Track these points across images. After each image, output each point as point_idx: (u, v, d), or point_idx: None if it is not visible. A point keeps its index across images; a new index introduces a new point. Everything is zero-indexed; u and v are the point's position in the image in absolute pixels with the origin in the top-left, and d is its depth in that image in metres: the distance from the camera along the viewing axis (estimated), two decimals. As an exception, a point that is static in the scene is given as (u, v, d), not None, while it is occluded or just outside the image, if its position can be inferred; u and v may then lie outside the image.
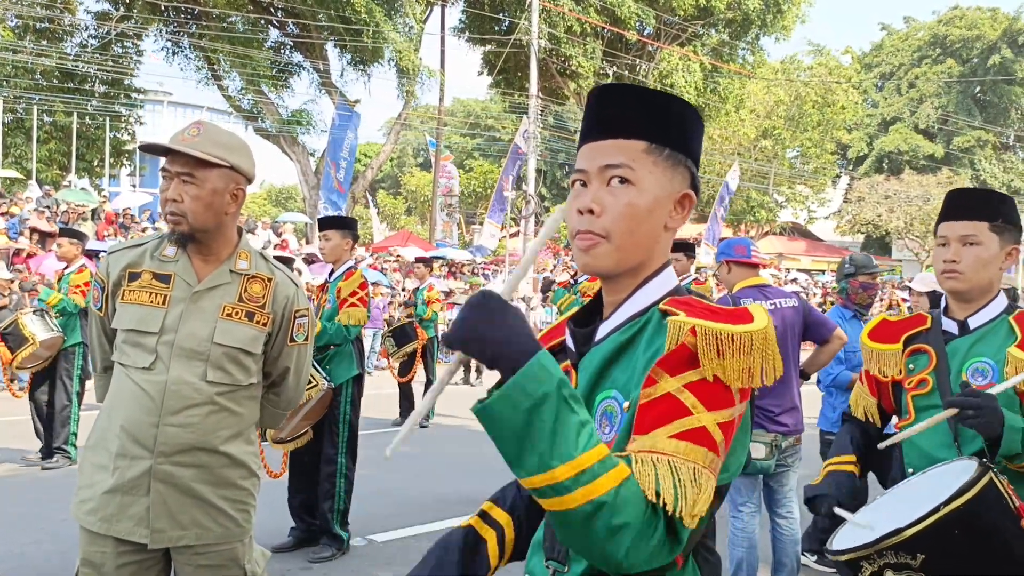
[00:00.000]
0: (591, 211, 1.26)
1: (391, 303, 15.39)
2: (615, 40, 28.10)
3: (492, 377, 9.82)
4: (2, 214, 17.28)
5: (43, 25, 24.39)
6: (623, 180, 1.26)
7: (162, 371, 2.23)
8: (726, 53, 30.08)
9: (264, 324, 2.35)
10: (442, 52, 27.93)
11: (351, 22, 22.46)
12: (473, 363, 14.18)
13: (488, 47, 28.05)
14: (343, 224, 5.12)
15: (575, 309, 1.45)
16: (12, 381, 7.50)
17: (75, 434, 6.91)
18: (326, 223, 5.14)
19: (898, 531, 1.80)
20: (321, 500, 4.87)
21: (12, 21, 24.57)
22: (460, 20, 28.34)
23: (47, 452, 6.87)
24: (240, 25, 24.19)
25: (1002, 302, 2.29)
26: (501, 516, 1.51)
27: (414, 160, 54.17)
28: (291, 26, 24.75)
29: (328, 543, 4.86)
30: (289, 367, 2.46)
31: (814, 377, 4.65)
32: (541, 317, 17.93)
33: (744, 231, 36.16)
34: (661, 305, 1.27)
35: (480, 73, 29.76)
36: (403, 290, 16.51)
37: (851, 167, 45.00)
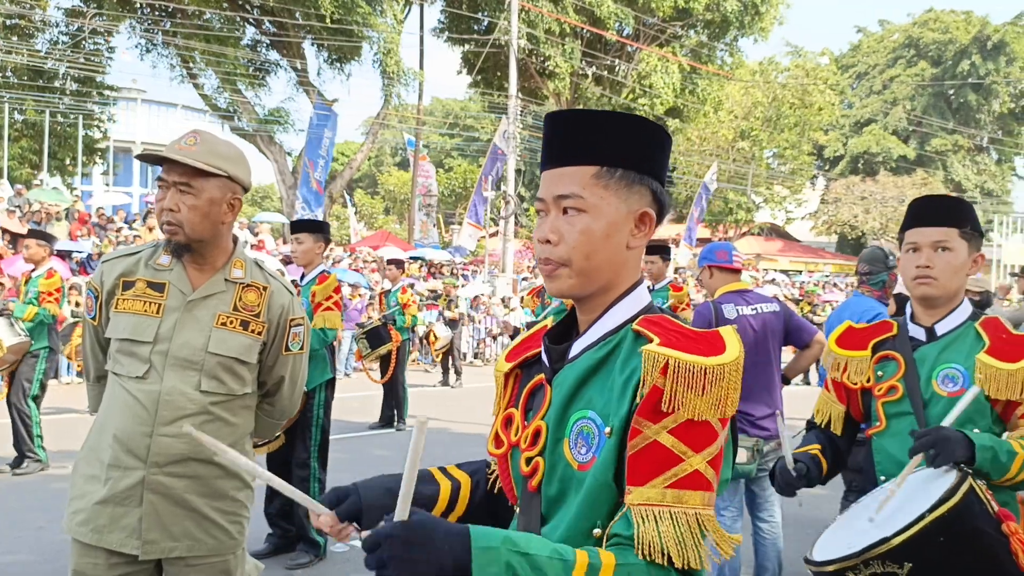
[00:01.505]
0: (548, 241, 1.31)
1: (369, 304, 15.29)
2: (594, 40, 28.16)
3: (470, 379, 9.88)
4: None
5: (13, 21, 23.98)
6: (576, 209, 1.29)
7: (156, 380, 2.21)
8: (705, 54, 30.24)
9: (259, 333, 2.33)
10: (421, 51, 27.84)
11: (328, 20, 22.30)
12: (450, 366, 14.16)
13: (467, 47, 28.00)
14: (316, 227, 5.08)
15: (549, 320, 1.46)
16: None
17: (40, 436, 6.76)
18: (298, 226, 5.10)
19: (885, 540, 1.81)
20: (297, 506, 4.80)
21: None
22: (439, 20, 28.29)
23: (19, 459, 6.72)
24: (216, 22, 23.93)
25: (967, 308, 2.31)
26: (461, 475, 1.53)
27: (392, 159, 53.98)
28: (267, 24, 24.54)
29: (305, 549, 4.81)
30: (284, 376, 2.45)
31: (796, 380, 4.64)
32: (520, 318, 17.91)
33: (723, 231, 36.39)
34: (634, 325, 1.30)
35: (459, 72, 29.70)
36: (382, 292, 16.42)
37: (827, 168, 45.43)
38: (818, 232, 41.68)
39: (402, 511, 1.13)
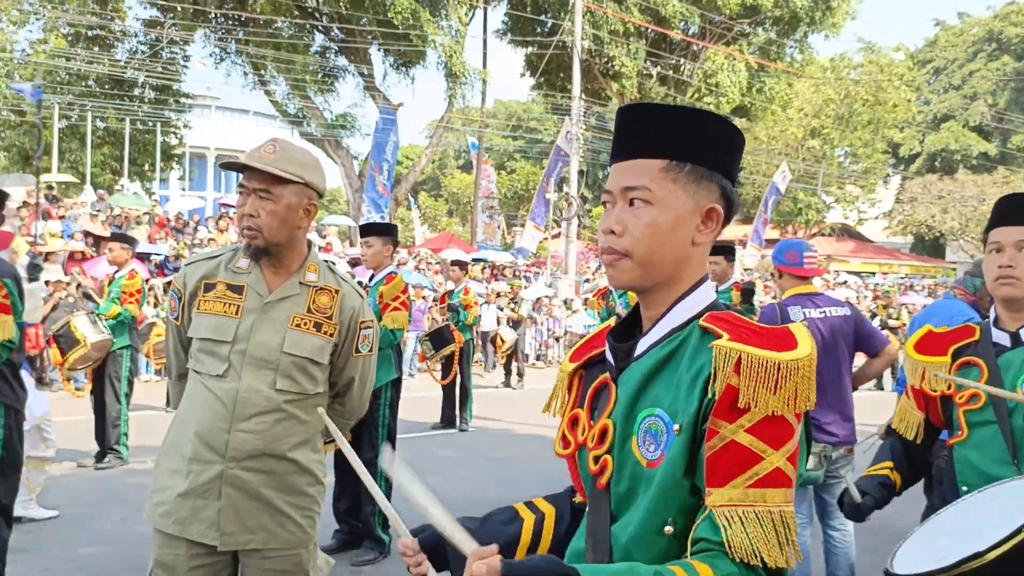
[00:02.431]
0: (613, 232, 1.32)
1: (432, 306, 15.45)
2: (659, 40, 27.86)
3: (532, 381, 9.83)
4: (59, 217, 17.75)
5: (94, 32, 24.99)
6: (643, 201, 1.30)
7: (234, 379, 2.30)
8: (773, 52, 29.63)
9: (331, 335, 2.40)
10: (484, 54, 27.97)
11: (394, 25, 22.61)
12: (514, 367, 14.20)
13: (530, 49, 28.01)
14: (384, 231, 5.19)
15: (611, 321, 1.47)
16: (68, 381, 7.70)
17: (126, 434, 7.04)
18: (368, 229, 5.20)
19: (979, 555, 1.72)
20: (363, 503, 4.89)
21: (65, 29, 25.24)
22: (503, 22, 28.37)
23: (101, 454, 7.01)
24: (286, 30, 24.50)
25: None
26: (545, 507, 1.54)
27: (455, 162, 54.40)
28: (336, 31, 25.01)
29: (371, 546, 4.89)
30: (354, 377, 2.52)
31: (868, 384, 4.49)
32: (583, 321, 17.84)
33: (792, 232, 35.60)
34: (701, 321, 1.29)
35: (522, 75, 29.74)
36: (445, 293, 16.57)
37: (903, 166, 44.03)
38: (892, 232, 40.41)
39: (464, 543, 1.18)
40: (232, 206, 23.15)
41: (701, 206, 1.31)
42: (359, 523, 4.98)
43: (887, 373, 11.65)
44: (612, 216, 1.33)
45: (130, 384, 7.17)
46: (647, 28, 27.10)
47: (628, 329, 1.42)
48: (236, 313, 2.33)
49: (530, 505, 1.54)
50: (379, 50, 25.07)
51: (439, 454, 7.90)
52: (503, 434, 8.87)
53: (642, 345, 1.34)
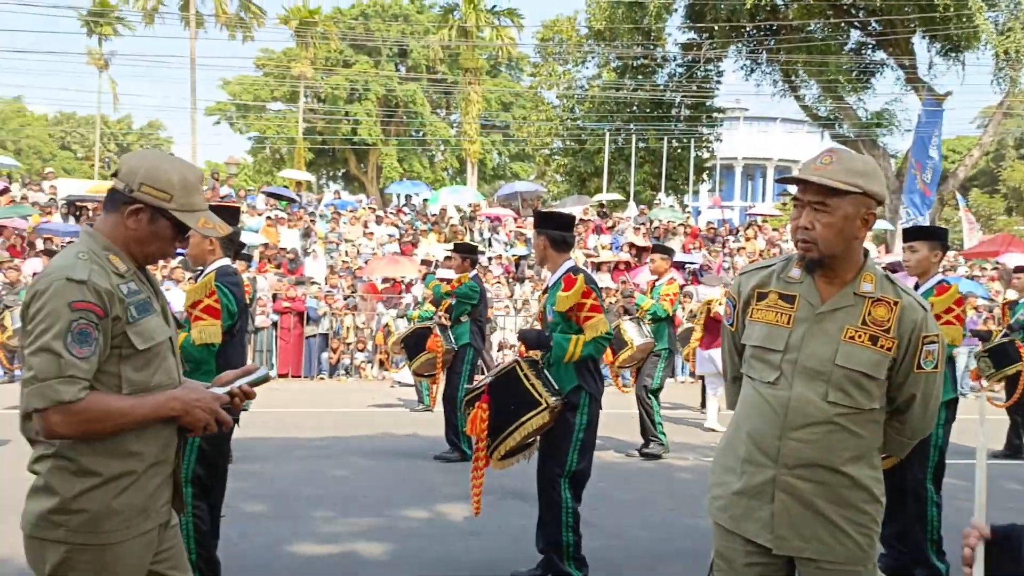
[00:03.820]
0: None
1: (989, 317, 13.58)
2: None
3: None
4: (607, 229, 20.05)
5: (639, 62, 27.58)
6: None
7: (785, 387, 2.34)
8: None
9: (888, 349, 2.31)
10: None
11: (940, 9, 20.49)
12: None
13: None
14: (932, 235, 4.74)
15: None
16: (617, 377, 8.64)
17: (660, 423, 7.70)
18: (913, 233, 4.81)
19: None
20: (911, 527, 4.52)
21: (615, 63, 28.38)
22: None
23: (645, 444, 7.72)
24: (818, 32, 23.97)
25: None
26: None
27: (1015, 152, 46.98)
28: (873, 24, 23.64)
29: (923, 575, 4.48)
30: (916, 395, 2.38)
31: None
32: None
33: None
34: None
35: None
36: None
37: None
38: None
39: None
40: (760, 215, 23.48)
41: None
42: (905, 549, 4.62)
43: None
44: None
45: (661, 383, 7.80)
46: None
47: None
48: (788, 323, 2.36)
49: None
50: (923, 38, 22.98)
51: (1007, 487, 6.90)
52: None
53: None
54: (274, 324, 13.62)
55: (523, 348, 4.41)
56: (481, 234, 19.14)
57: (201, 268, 3.97)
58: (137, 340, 2.05)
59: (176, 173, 2.13)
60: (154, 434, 2.08)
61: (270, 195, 21.20)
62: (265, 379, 2.24)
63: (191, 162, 2.49)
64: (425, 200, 22.74)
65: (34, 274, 11.00)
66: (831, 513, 2.28)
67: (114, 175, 2.15)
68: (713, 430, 8.99)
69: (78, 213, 17.63)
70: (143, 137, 51.54)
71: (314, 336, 13.86)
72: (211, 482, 3.88)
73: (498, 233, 19.50)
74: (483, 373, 8.44)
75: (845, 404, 2.28)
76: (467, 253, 7.82)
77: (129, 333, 2.03)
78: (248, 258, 12.64)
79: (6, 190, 18.15)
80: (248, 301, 4.21)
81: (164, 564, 2.19)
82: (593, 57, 28.81)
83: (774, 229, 20.12)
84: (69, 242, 14.61)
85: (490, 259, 17.26)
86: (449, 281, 8.25)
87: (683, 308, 12.07)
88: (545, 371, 4.08)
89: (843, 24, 23.98)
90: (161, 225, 2.12)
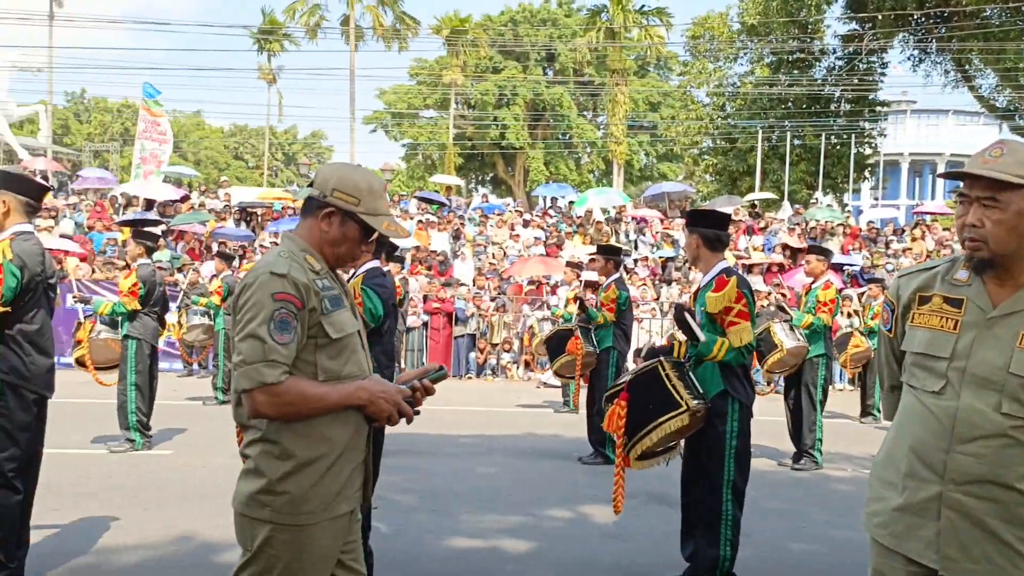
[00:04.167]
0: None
1: None
2: None
3: None
4: (759, 229, 19.39)
5: (795, 56, 26.50)
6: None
7: (952, 397, 2.20)
8: None
9: None
10: None
11: None
12: None
13: None
14: None
15: None
16: (768, 384, 8.37)
17: (820, 440, 7.32)
18: None
19: None
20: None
21: (768, 59, 27.41)
22: None
23: (797, 455, 7.40)
24: (995, 18, 22.19)
25: None
26: None
27: None
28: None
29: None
30: None
31: None
32: None
33: None
34: None
35: None
36: None
37: None
38: None
39: None
40: (928, 213, 21.97)
41: None
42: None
43: None
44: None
45: (824, 392, 7.42)
46: None
47: None
48: (954, 328, 2.21)
49: None
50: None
51: None
52: None
53: None
54: (424, 324, 14.11)
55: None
56: (627, 236, 19.01)
57: (353, 269, 4.18)
58: (331, 330, 2.24)
59: (363, 180, 2.35)
60: (344, 420, 2.25)
61: (422, 199, 21.94)
62: (444, 376, 2.40)
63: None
64: (571, 202, 22.83)
65: (211, 277, 11.90)
66: (1004, 533, 2.11)
67: (310, 185, 2.37)
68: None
69: (248, 219, 18.94)
70: (307, 147, 54.72)
71: (462, 336, 14.25)
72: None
73: (644, 235, 19.30)
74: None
75: (1020, 415, 2.11)
76: (611, 255, 7.79)
77: (324, 323, 2.23)
78: (400, 260, 13.15)
79: (186, 198, 19.86)
80: (399, 301, 4.38)
81: (348, 556, 2.35)
82: (746, 53, 28.00)
83: (944, 229, 18.75)
84: (241, 246, 15.77)
85: (636, 261, 17.11)
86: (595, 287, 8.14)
87: (842, 312, 11.50)
88: (690, 373, 3.99)
89: (1023, 7, 22.10)
90: (350, 228, 2.32)
